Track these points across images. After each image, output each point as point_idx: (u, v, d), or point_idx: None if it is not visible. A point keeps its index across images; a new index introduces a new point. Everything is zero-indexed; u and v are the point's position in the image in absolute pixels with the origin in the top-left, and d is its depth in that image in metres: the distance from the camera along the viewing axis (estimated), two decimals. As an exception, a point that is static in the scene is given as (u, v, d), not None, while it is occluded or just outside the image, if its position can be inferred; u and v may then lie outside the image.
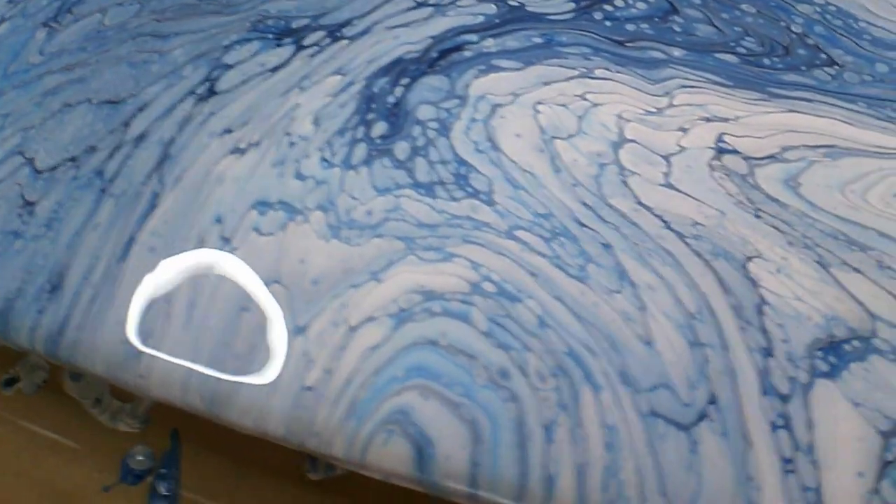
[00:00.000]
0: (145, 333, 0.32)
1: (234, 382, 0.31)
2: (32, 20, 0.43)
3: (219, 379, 0.31)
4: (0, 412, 0.43)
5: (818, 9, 0.39)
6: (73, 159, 0.37)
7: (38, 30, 0.42)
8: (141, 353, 0.32)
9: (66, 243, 0.35)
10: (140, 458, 0.41)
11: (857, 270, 0.32)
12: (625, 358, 0.30)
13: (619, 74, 0.36)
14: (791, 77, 0.36)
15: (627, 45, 0.37)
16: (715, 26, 0.38)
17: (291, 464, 0.40)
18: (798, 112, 0.35)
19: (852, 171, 0.34)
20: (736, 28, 0.38)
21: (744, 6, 0.39)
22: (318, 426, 0.30)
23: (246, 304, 0.32)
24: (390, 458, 0.29)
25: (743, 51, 0.37)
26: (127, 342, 0.32)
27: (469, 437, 0.29)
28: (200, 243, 0.34)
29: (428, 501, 0.32)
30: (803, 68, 0.36)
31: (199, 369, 0.31)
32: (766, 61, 0.37)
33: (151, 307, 0.33)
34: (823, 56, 0.37)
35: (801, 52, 0.37)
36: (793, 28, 0.38)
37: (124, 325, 0.33)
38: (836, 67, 0.37)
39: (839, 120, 0.35)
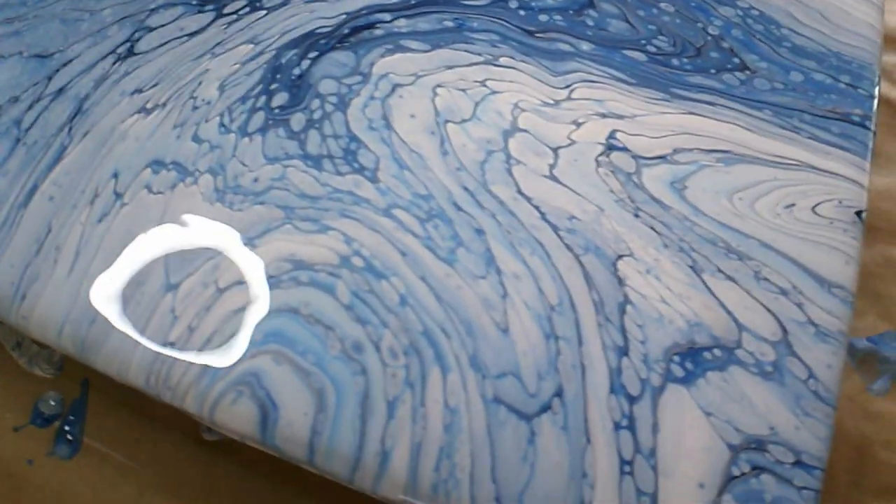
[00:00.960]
0: (32, 277, 0.33)
1: (104, 331, 0.31)
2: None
3: (89, 327, 0.32)
4: None
5: (740, 12, 0.37)
6: (-7, 108, 0.38)
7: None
8: (25, 295, 0.33)
9: (-27, 190, 0.36)
10: (51, 402, 0.42)
11: (731, 279, 0.31)
12: (478, 343, 0.30)
13: (522, 64, 0.36)
14: (697, 79, 0.35)
15: (537, 35, 0.36)
16: (629, 23, 0.37)
17: (190, 424, 0.41)
18: (698, 115, 0.34)
19: (745, 178, 0.33)
20: (650, 26, 0.37)
21: (663, 5, 0.37)
22: (173, 380, 0.30)
23: (125, 257, 0.33)
24: (236, 417, 0.29)
25: (653, 49, 0.36)
26: (13, 284, 0.33)
27: (314, 405, 0.29)
28: (94, 196, 0.34)
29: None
30: (713, 71, 0.35)
31: (74, 315, 0.32)
32: (675, 61, 0.36)
33: (41, 252, 0.33)
34: (736, 60, 0.36)
35: (714, 54, 0.36)
36: (709, 30, 0.37)
37: (16, 268, 0.33)
38: (748, 73, 0.35)
39: (740, 126, 0.34)
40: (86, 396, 0.42)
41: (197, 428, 0.41)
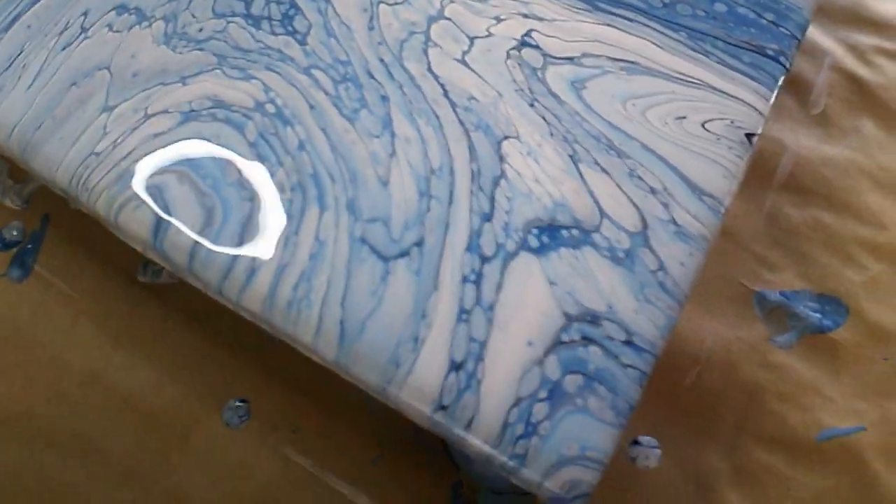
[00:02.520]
0: (-4, 88, 0.37)
1: (45, 138, 0.35)
2: None
3: (34, 133, 0.35)
4: None
5: (681, -55, 0.38)
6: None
7: None
8: (-14, 102, 0.36)
9: (-33, 10, 0.40)
10: (14, 232, 0.46)
11: (605, 171, 0.32)
12: (358, 191, 0.32)
13: (463, -37, 0.37)
14: (619, -4, 0.36)
15: (483, -61, 0.38)
16: (572, -59, 0.38)
17: (129, 266, 0.44)
18: (613, 27, 0.35)
19: (643, 88, 0.34)
20: (591, -54, 0.38)
21: (609, -71, 0.38)
22: (91, 183, 0.33)
23: (77, 80, 0.36)
24: (135, 221, 0.32)
25: (588, -35, 0.37)
26: (-21, 91, 0.37)
27: (202, 220, 0.32)
28: (64, 28, 0.38)
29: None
30: (639, -8, 0.36)
31: (24, 122, 0.35)
32: (606, -21, 0.37)
33: (10, 69, 0.37)
34: (665, -15, 0.37)
35: (645, -22, 0.37)
36: (647, -44, 0.37)
37: (-17, 79, 0.37)
38: (673, -3, 0.36)
39: (652, 42, 0.35)
40: (44, 229, 0.46)
41: (135, 270, 0.45)
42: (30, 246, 0.45)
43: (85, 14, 0.37)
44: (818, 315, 0.40)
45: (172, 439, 0.39)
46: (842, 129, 0.45)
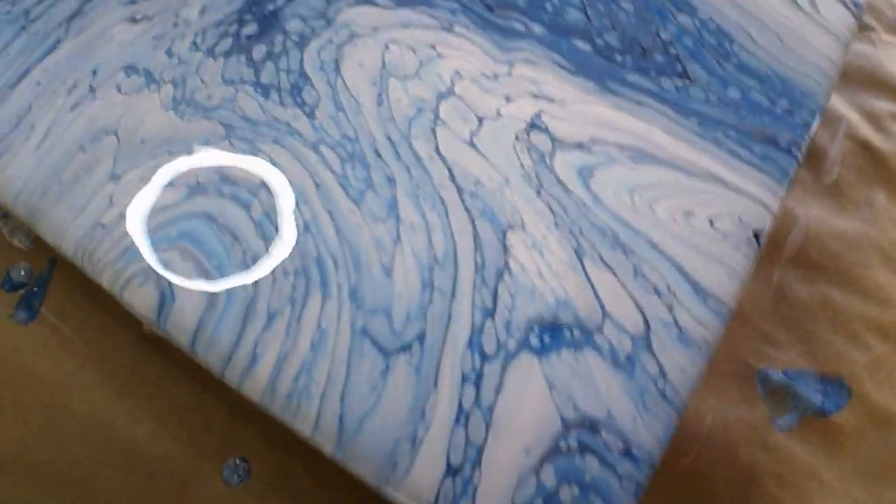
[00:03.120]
0: (5, 148, 0.36)
1: (52, 203, 0.35)
2: None
3: (41, 197, 0.35)
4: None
5: (697, 23, 0.37)
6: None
7: None
8: (-5, 161, 0.37)
9: (-24, 63, 0.40)
10: (21, 272, 0.46)
11: (609, 268, 0.32)
12: (362, 278, 0.32)
13: (474, 35, 0.37)
14: (635, 78, 0.35)
15: (496, 10, 0.37)
16: (586, 14, 0.37)
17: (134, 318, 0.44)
18: (624, 112, 0.35)
19: (652, 178, 0.33)
20: (605, 20, 0.37)
21: (624, 3, 0.38)
22: (97, 256, 0.33)
23: (85, 145, 0.36)
24: (139, 299, 0.32)
25: (601, 43, 0.36)
26: (-12, 150, 0.37)
27: (206, 302, 0.32)
28: (73, 87, 0.38)
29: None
30: (653, 73, 0.35)
31: (31, 185, 0.35)
32: (619, 58, 0.36)
33: (18, 128, 0.37)
34: (679, 67, 0.36)
35: (659, 58, 0.36)
36: (661, 34, 0.37)
37: (-7, 138, 0.37)
38: (687, 81, 0.35)
39: (662, 129, 0.34)
40: (51, 273, 0.46)
41: (140, 322, 0.45)
42: (36, 289, 0.46)
43: (94, 73, 0.37)
44: (820, 396, 0.40)
45: (170, 492, 0.40)
46: (854, 201, 0.45)
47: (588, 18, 0.37)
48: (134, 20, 0.39)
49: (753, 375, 0.41)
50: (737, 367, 0.41)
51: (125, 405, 0.42)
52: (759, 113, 0.35)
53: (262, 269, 0.32)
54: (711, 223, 0.32)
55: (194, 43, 0.37)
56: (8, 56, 0.39)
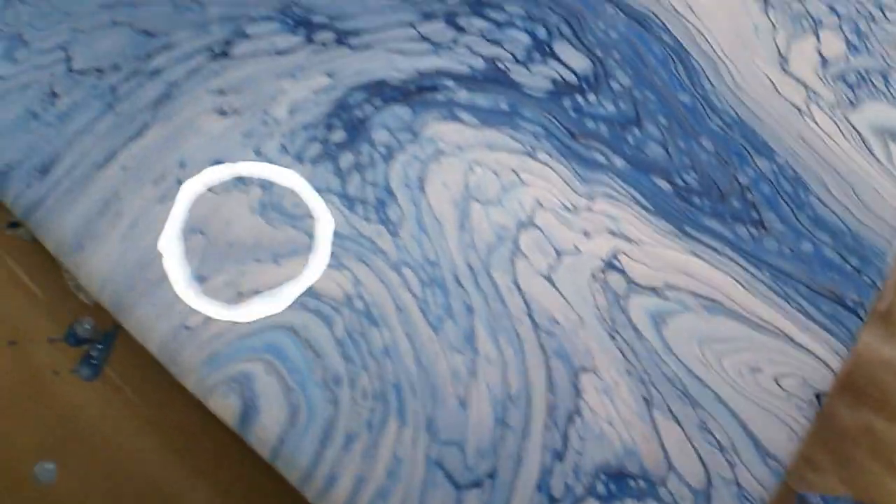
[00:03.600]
0: (92, 233, 0.38)
1: (138, 299, 0.37)
2: (122, -62, 0.48)
3: (128, 291, 0.37)
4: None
5: (775, 168, 0.39)
6: (99, 70, 0.43)
7: (122, -52, 0.48)
8: (83, 246, 0.38)
9: (67, 138, 0.41)
10: (86, 326, 0.48)
11: (677, 421, 0.34)
12: (437, 408, 0.34)
13: (557, 164, 0.38)
14: (712, 223, 0.37)
15: (579, 139, 0.39)
16: (666, 150, 0.39)
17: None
18: (700, 258, 0.36)
19: (723, 332, 0.35)
20: (685, 159, 0.39)
21: (705, 142, 0.39)
22: (182, 359, 0.35)
23: (171, 241, 0.38)
24: (224, 409, 0.34)
25: (680, 183, 0.38)
26: (77, 234, 0.38)
27: (287, 418, 0.34)
28: (160, 177, 0.39)
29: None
30: (729, 219, 0.37)
31: (117, 278, 0.37)
32: (697, 200, 0.38)
33: (105, 214, 0.39)
34: (755, 215, 0.37)
35: (736, 203, 0.38)
36: (740, 178, 0.38)
37: (81, 220, 0.38)
38: (762, 230, 0.37)
39: (736, 280, 0.36)
40: (116, 331, 0.48)
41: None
42: (100, 346, 0.47)
43: (182, 165, 0.39)
44: (854, 527, 0.42)
45: (222, 564, 0.42)
46: (903, 328, 0.46)
47: (668, 155, 0.38)
48: (222, 112, 0.40)
49: (793, 498, 0.43)
50: (779, 490, 0.43)
51: (182, 472, 0.44)
52: (829, 269, 0.36)
53: (343, 390, 0.34)
54: (777, 381, 0.34)
55: (283, 146, 0.39)
56: (95, 134, 0.40)
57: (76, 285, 0.49)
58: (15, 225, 0.53)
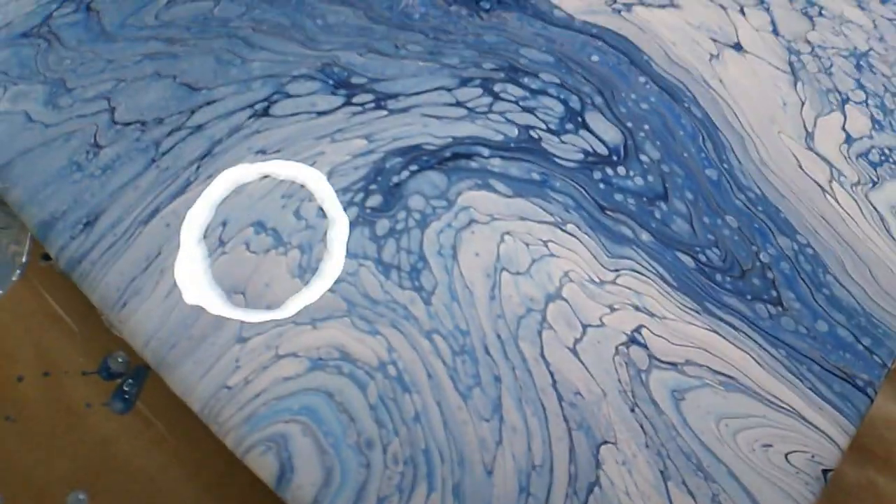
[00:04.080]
0: (135, 290, 0.40)
1: (181, 358, 0.39)
2: (163, -16, 0.50)
3: (170, 349, 0.39)
4: (32, 278, 0.53)
5: (796, 247, 0.41)
6: (142, 123, 0.45)
7: (163, -5, 0.50)
8: (126, 303, 0.40)
9: (110, 191, 0.43)
10: (119, 360, 0.51)
11: (691, 494, 0.36)
12: (465, 475, 0.36)
13: (585, 237, 0.40)
14: (732, 301, 0.39)
15: (607, 212, 0.41)
16: (692, 226, 0.41)
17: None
18: (720, 335, 0.39)
19: (738, 408, 0.37)
20: (709, 235, 0.41)
21: (729, 218, 0.41)
22: (222, 418, 0.38)
23: (213, 300, 0.40)
24: (261, 467, 0.37)
25: (704, 259, 0.40)
26: (119, 290, 0.41)
27: (322, 479, 0.36)
28: (203, 236, 0.41)
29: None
30: (749, 297, 0.39)
31: (161, 335, 0.40)
32: (719, 277, 0.40)
33: (148, 271, 0.41)
34: (774, 293, 0.40)
35: (756, 281, 0.40)
36: (761, 256, 0.40)
37: (125, 277, 0.41)
38: (780, 308, 0.39)
39: (753, 358, 0.38)
40: (149, 367, 0.51)
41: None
42: (132, 380, 0.50)
43: (224, 224, 0.41)
44: (853, 585, 0.45)
45: None
46: (910, 388, 0.49)
47: (693, 231, 0.40)
48: (263, 173, 0.42)
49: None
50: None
51: (210, 508, 0.47)
52: (842, 349, 0.38)
53: (375, 454, 0.36)
54: (787, 458, 0.36)
55: (321, 209, 0.41)
56: (138, 190, 0.42)
57: (110, 320, 0.52)
58: (48, 257, 0.56)
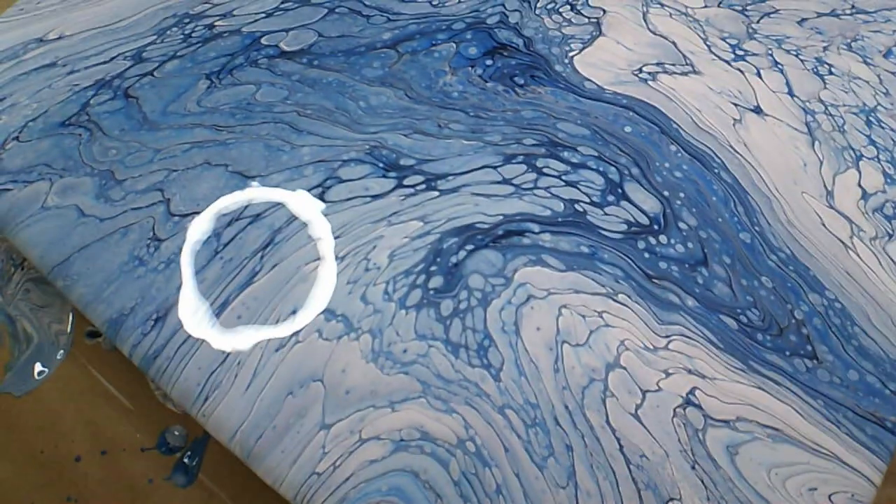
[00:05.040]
0: (215, 383, 0.44)
1: (268, 448, 0.43)
2: (199, 68, 0.53)
3: (256, 440, 0.43)
4: (78, 356, 0.56)
5: (825, 302, 0.46)
6: (199, 214, 0.48)
7: (201, 80, 0.52)
8: (208, 397, 0.44)
9: (176, 285, 0.46)
10: (176, 433, 0.54)
11: (750, 537, 0.42)
12: (548, 539, 0.41)
13: (636, 305, 0.45)
14: (773, 358, 0.44)
15: (654, 280, 0.46)
16: (731, 289, 0.46)
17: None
18: (765, 391, 0.44)
19: (785, 457, 0.43)
20: (748, 297, 0.46)
21: (764, 279, 0.46)
22: (314, 503, 0.42)
23: (294, 390, 0.44)
24: (356, 546, 0.41)
25: (745, 320, 0.45)
26: (199, 385, 0.44)
27: (415, 553, 0.41)
28: (275, 326, 0.45)
29: None
30: (787, 353, 0.45)
31: (246, 428, 0.43)
32: (760, 336, 0.45)
33: (225, 364, 0.44)
34: (809, 348, 0.45)
35: (793, 338, 0.45)
36: (796, 313, 0.46)
37: (203, 372, 0.44)
38: (815, 362, 0.45)
39: (795, 410, 0.44)
40: (207, 438, 0.54)
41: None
42: (191, 452, 0.53)
43: (294, 313, 0.44)
44: None
45: None
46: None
47: (734, 293, 0.45)
48: (327, 259, 0.46)
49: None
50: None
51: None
52: (872, 395, 0.44)
53: (463, 527, 0.40)
54: (830, 498, 0.42)
55: (386, 292, 0.45)
56: (205, 281, 0.46)
57: (163, 395, 0.55)
58: (93, 335, 0.58)
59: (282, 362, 0.44)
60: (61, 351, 0.57)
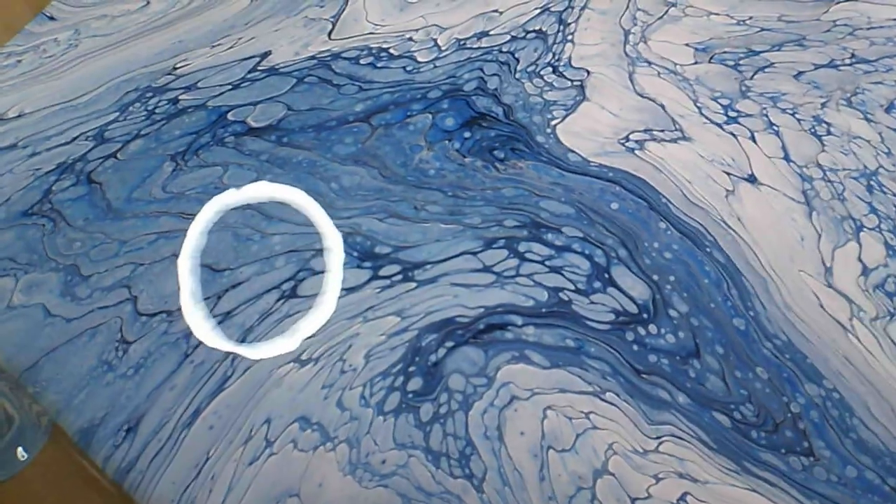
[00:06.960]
0: (190, 499, 0.40)
1: (243, 564, 0.40)
2: (163, 148, 0.48)
3: (232, 557, 0.40)
4: (59, 439, 0.53)
5: (823, 393, 0.42)
6: (168, 313, 0.44)
7: (165, 162, 0.48)
8: (182, 513, 0.41)
9: (146, 393, 0.42)
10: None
11: None
12: None
13: (625, 404, 0.41)
14: (768, 456, 0.41)
15: (643, 375, 0.42)
16: (725, 382, 0.42)
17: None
18: (758, 493, 0.40)
19: (779, 561, 0.40)
20: (742, 391, 0.42)
21: (759, 369, 0.42)
22: None
23: None
24: None
25: (738, 416, 0.41)
26: (173, 502, 0.41)
27: None
28: (248, 437, 0.41)
29: None
30: (783, 451, 0.41)
31: (221, 543, 0.40)
32: (754, 434, 0.41)
33: (199, 478, 0.41)
34: (806, 444, 0.41)
35: (789, 433, 0.41)
36: (792, 406, 0.42)
37: (176, 486, 0.40)
38: (812, 459, 0.41)
39: (790, 511, 0.40)
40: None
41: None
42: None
43: (268, 422, 0.41)
44: None
45: None
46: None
47: (727, 387, 0.41)
48: (300, 361, 0.42)
49: None
50: None
51: None
52: (871, 492, 0.40)
53: None
54: None
55: (363, 396, 0.41)
56: (175, 389, 0.42)
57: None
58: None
59: (256, 476, 0.41)
60: (44, 436, 0.54)
